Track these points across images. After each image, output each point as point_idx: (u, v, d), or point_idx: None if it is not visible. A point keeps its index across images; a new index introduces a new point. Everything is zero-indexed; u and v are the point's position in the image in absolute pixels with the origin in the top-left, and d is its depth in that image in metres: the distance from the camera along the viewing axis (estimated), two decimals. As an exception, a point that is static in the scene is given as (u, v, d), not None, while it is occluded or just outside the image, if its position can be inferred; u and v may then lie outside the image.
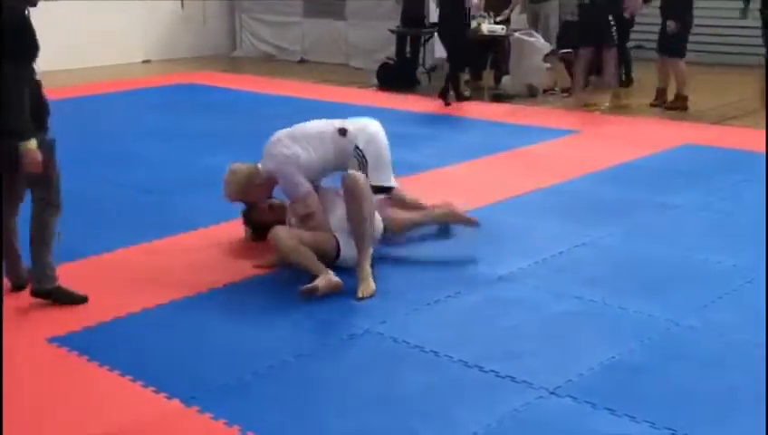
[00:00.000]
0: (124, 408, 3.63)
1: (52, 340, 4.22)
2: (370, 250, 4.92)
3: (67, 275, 4.74)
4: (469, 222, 5.58)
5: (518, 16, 12.22)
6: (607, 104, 10.13)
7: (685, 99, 9.87)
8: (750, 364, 3.93)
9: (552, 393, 3.69)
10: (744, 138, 8.47)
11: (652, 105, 10.04)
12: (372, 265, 4.85)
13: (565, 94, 10.86)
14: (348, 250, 4.98)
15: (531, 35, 10.97)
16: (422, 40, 12.14)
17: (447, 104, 10.38)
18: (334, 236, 5.03)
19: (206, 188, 6.34)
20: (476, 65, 11.12)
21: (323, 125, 5.34)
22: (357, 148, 5.24)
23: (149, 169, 7.44)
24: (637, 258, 5.27)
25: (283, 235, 4.93)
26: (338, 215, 5.09)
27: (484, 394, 3.71)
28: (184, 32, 14.89)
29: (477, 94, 10.86)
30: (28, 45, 4.29)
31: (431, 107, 10.39)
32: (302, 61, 14.46)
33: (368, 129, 5.36)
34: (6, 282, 4.68)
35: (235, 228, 5.64)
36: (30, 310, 4.55)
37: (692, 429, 3.41)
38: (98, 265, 5.21)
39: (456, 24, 10.40)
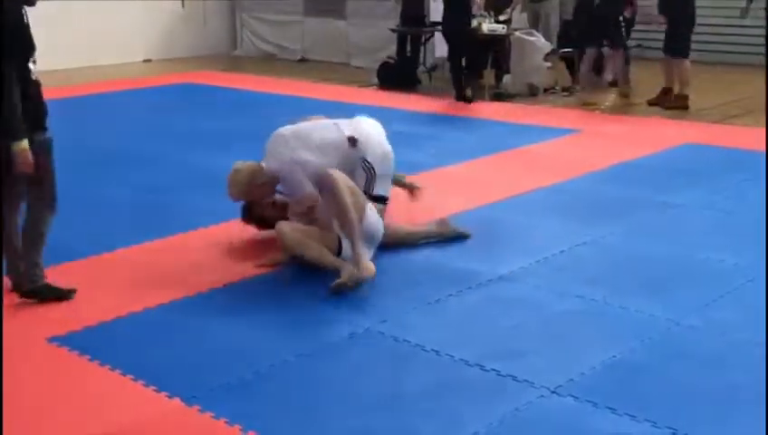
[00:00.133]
0: (125, 407, 3.63)
1: (52, 339, 4.21)
2: (362, 236, 4.89)
3: (67, 275, 4.74)
4: (462, 235, 5.55)
5: (518, 15, 12.22)
6: (607, 103, 10.12)
7: (685, 98, 9.85)
8: (751, 363, 3.93)
9: (553, 392, 3.69)
10: (746, 137, 8.46)
11: (650, 103, 10.01)
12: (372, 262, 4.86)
13: (566, 93, 10.86)
14: (349, 249, 4.97)
15: (531, 35, 10.96)
16: (423, 39, 12.14)
17: (469, 102, 10.33)
18: (337, 236, 5.03)
19: (207, 188, 6.34)
20: (477, 65, 11.11)
21: (330, 130, 5.33)
22: (365, 160, 5.25)
23: (149, 169, 7.43)
24: (638, 257, 5.27)
25: (288, 229, 4.98)
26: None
27: (486, 393, 3.71)
28: (184, 31, 14.88)
29: (478, 93, 10.85)
30: (23, 45, 4.26)
31: (432, 106, 10.39)
32: (302, 60, 14.45)
33: (381, 147, 5.34)
34: (6, 281, 4.66)
35: (236, 228, 5.63)
36: (30, 310, 4.54)
37: (693, 428, 3.41)
38: (98, 265, 5.20)
39: (458, 23, 10.38)
